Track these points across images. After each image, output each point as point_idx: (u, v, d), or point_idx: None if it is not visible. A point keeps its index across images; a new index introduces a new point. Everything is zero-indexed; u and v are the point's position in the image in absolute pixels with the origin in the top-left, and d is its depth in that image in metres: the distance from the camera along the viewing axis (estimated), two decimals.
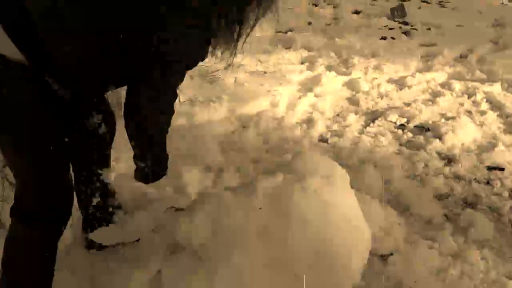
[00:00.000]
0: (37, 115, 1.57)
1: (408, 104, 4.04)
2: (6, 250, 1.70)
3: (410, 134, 3.54)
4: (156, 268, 1.95)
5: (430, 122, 3.70)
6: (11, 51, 1.45)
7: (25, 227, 1.68)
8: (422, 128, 3.64)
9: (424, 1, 7.81)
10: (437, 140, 3.39)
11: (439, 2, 7.86)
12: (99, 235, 2.16)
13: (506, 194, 2.84)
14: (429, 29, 6.34)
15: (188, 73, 1.98)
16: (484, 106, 3.98)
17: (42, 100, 1.56)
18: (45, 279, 1.77)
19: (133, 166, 2.03)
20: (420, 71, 4.77)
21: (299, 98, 4.08)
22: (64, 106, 1.67)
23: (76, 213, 2.08)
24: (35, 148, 1.60)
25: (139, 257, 2.08)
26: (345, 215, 1.98)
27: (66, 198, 1.73)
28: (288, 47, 5.27)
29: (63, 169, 1.71)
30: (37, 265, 1.73)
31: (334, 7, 7.10)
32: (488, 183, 2.96)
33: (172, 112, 1.74)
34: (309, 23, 6.37)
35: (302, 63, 4.87)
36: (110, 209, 2.21)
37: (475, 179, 3.00)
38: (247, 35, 1.63)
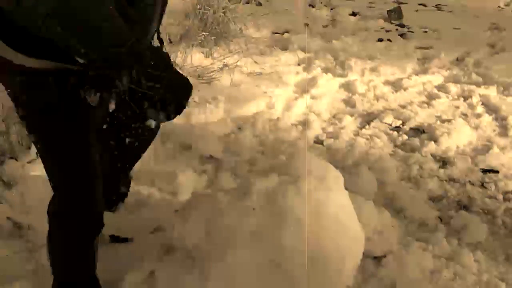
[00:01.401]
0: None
1: (404, 106, 4.05)
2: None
3: (405, 136, 3.55)
4: (150, 268, 1.95)
5: (426, 124, 3.71)
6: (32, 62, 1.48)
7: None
8: (418, 131, 3.65)
9: (421, 4, 7.82)
10: (432, 142, 3.40)
11: (436, 5, 7.88)
12: None
13: (500, 196, 2.86)
14: (426, 31, 6.35)
15: (184, 74, 1.99)
16: (480, 109, 3.99)
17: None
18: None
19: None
20: (416, 73, 4.78)
21: (295, 99, 4.08)
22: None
23: None
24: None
25: (133, 257, 2.08)
26: (338, 217, 1.99)
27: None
28: (284, 49, 5.28)
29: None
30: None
31: (331, 9, 7.10)
32: (482, 185, 2.97)
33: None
34: (306, 25, 6.37)
35: (298, 64, 4.88)
36: (114, 197, 2.23)
37: (469, 181, 3.01)
38: None
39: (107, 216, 2.03)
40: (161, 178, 2.83)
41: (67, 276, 1.91)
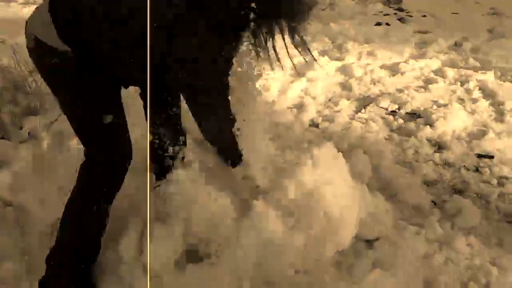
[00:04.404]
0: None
1: (401, 91, 4.03)
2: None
3: (401, 121, 3.53)
4: None
5: (422, 109, 3.69)
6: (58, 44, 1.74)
7: None
8: (414, 115, 3.63)
9: None
10: (428, 127, 3.38)
11: None
12: None
13: (494, 181, 2.85)
14: (424, 16, 6.32)
15: None
16: (477, 94, 3.97)
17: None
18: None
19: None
20: (413, 57, 4.75)
21: (291, 82, 4.06)
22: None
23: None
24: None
25: None
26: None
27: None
28: None
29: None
30: None
31: None
32: (477, 170, 2.96)
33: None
34: None
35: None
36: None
37: (464, 166, 2.99)
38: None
39: None
40: None
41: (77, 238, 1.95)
